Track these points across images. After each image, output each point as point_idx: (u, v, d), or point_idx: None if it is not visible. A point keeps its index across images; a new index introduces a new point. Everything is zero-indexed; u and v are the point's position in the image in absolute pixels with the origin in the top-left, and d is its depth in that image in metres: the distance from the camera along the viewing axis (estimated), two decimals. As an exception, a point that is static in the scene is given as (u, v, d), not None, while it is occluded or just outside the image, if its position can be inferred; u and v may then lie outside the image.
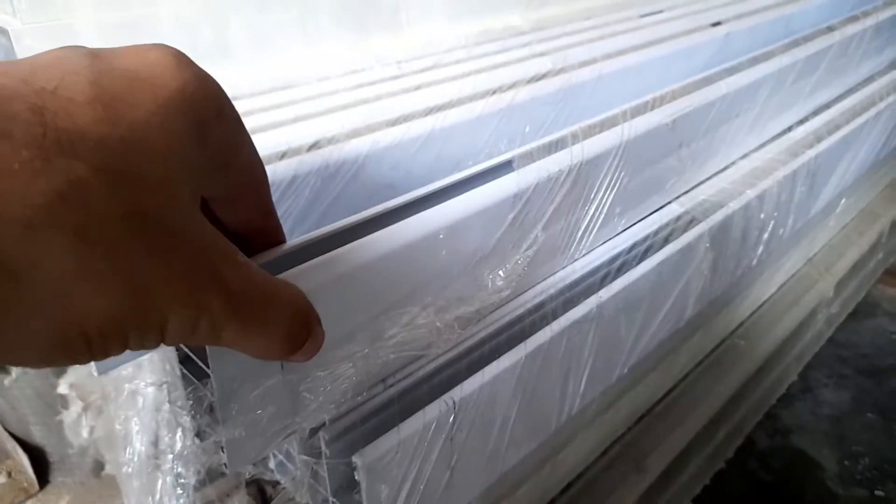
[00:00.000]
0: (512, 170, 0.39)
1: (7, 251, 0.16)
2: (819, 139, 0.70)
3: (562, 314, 0.42)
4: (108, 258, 0.17)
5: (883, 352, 0.97)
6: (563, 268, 0.46)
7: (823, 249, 0.89)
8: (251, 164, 0.25)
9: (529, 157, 0.41)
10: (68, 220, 0.16)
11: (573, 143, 0.43)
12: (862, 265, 0.96)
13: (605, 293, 0.44)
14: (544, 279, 0.44)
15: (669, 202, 0.56)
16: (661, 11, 0.83)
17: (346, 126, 0.47)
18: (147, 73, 0.19)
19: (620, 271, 0.47)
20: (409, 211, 0.34)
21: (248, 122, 0.48)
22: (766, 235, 0.62)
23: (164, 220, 0.18)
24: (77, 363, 0.19)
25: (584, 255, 0.47)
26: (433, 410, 0.35)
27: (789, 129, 0.71)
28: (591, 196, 0.45)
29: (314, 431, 0.35)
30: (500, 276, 0.40)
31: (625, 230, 0.51)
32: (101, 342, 0.18)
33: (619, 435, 0.60)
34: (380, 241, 0.32)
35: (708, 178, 0.60)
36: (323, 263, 0.29)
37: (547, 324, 0.41)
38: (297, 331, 0.24)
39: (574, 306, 0.43)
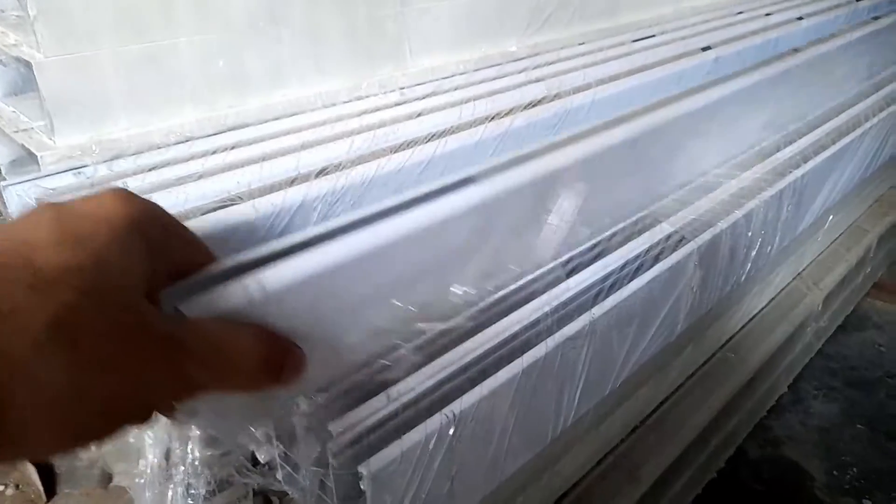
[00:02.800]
0: (474, 183, 0.41)
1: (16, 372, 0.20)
2: (806, 159, 0.73)
3: (556, 331, 0.44)
4: (100, 365, 0.21)
5: (871, 364, 0.99)
6: (528, 276, 0.48)
7: (812, 265, 0.91)
8: (189, 243, 0.30)
9: (492, 172, 0.43)
10: (66, 337, 0.20)
11: (534, 159, 0.45)
12: (850, 279, 0.98)
13: (597, 310, 0.46)
14: (509, 287, 0.47)
15: (645, 216, 0.58)
16: (652, 36, 0.86)
17: (352, 152, 0.49)
18: (103, 213, 0.24)
19: (613, 289, 0.49)
20: (370, 221, 0.36)
21: (259, 149, 0.50)
22: (753, 253, 0.64)
23: (136, 324, 0.23)
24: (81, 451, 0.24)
25: (570, 271, 0.50)
26: (434, 423, 0.37)
27: (755, 146, 0.74)
28: (552, 209, 0.47)
29: (323, 444, 0.37)
30: (462, 285, 0.43)
31: (615, 250, 0.53)
32: (100, 435, 0.23)
33: (614, 446, 0.62)
34: (349, 245, 0.34)
35: (671, 193, 0.63)
36: (297, 263, 0.32)
37: (542, 340, 0.44)
38: (269, 358, 0.28)
39: (568, 323, 0.45)
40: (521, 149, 0.47)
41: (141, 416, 0.24)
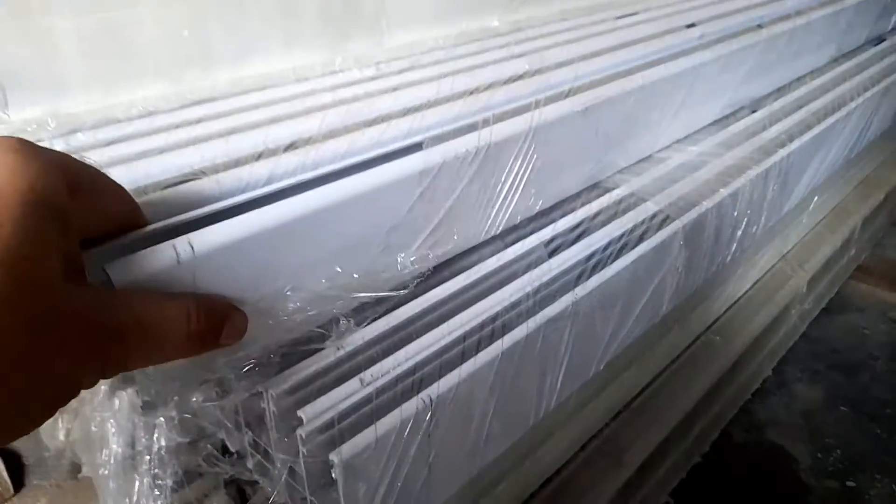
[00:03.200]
0: (420, 149, 0.42)
1: None
2: (791, 138, 0.71)
3: (538, 311, 0.43)
4: (11, 361, 0.20)
5: (854, 347, 0.99)
6: (479, 242, 0.48)
7: (797, 246, 0.91)
8: (111, 192, 0.29)
9: (439, 139, 0.43)
10: None
11: (482, 127, 0.45)
12: (834, 262, 0.98)
13: (580, 290, 0.45)
14: (457, 254, 0.47)
15: (629, 196, 0.57)
16: (636, 13, 0.84)
17: (323, 127, 0.47)
18: None
19: (596, 269, 0.48)
20: (320, 182, 0.36)
21: (226, 123, 0.47)
22: (739, 233, 0.63)
23: (50, 310, 0.21)
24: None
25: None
26: (410, 408, 0.35)
27: (720, 121, 0.73)
28: (503, 177, 0.47)
29: (292, 431, 0.35)
30: (409, 252, 0.42)
31: (598, 229, 0.51)
32: (20, 427, 0.22)
33: (598, 430, 0.61)
34: (287, 208, 0.34)
35: (632, 165, 0.62)
36: (231, 225, 0.32)
37: (523, 321, 0.42)
38: (198, 331, 0.27)
39: (550, 304, 0.44)
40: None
41: (66, 398, 0.23)
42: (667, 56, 0.66)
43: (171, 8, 0.53)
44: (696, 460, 0.75)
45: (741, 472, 0.77)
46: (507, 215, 0.49)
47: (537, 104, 0.51)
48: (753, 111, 0.81)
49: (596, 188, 0.60)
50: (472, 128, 0.46)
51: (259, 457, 0.40)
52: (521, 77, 0.59)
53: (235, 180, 0.40)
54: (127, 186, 0.38)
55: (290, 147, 0.44)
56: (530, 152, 0.49)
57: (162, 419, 0.43)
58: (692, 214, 0.55)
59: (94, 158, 0.42)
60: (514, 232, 0.52)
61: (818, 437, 0.83)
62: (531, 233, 0.52)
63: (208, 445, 0.41)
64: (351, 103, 0.52)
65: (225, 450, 0.43)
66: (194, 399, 0.39)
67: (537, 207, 0.52)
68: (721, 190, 0.59)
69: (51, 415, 0.22)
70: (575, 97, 0.53)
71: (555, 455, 0.56)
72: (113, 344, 0.23)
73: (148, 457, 0.44)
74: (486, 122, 0.47)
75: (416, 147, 0.43)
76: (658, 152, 0.68)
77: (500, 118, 0.48)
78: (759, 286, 0.82)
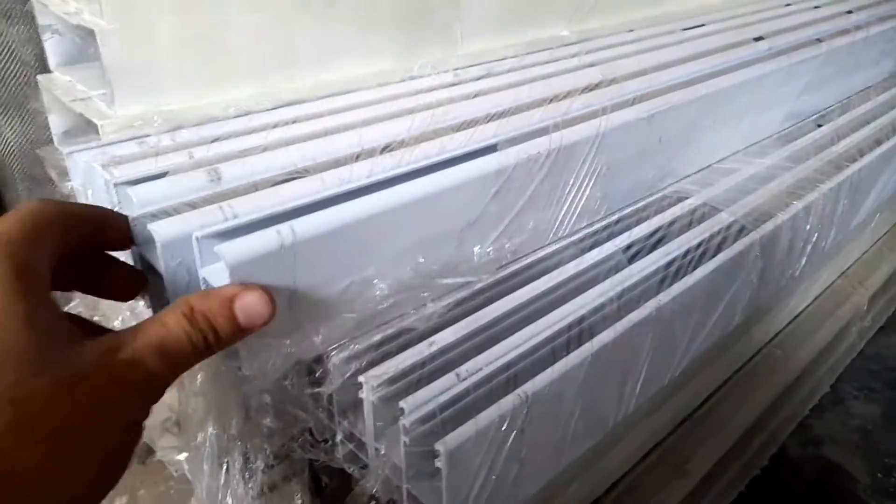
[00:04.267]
0: (495, 150, 0.44)
1: None
2: (861, 153, 0.71)
3: (623, 315, 0.43)
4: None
5: (913, 367, 0.97)
6: (548, 244, 0.51)
7: (857, 263, 0.90)
8: (84, 222, 0.29)
9: (512, 141, 0.46)
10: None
11: (553, 131, 0.47)
12: (894, 280, 0.97)
13: (664, 296, 0.45)
14: (527, 254, 0.49)
15: (702, 205, 0.58)
16: (702, 25, 0.84)
17: (413, 130, 0.49)
18: None
19: (676, 276, 0.48)
20: (399, 181, 0.39)
21: (320, 124, 0.49)
22: (809, 247, 0.63)
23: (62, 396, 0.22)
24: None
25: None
26: (508, 403, 0.36)
27: (784, 134, 0.75)
28: (571, 178, 0.49)
29: (391, 419, 0.36)
30: (485, 245, 0.45)
31: (676, 237, 0.52)
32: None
33: (662, 438, 0.61)
34: (377, 201, 0.37)
35: (703, 175, 0.64)
36: (329, 214, 0.35)
37: (610, 324, 0.43)
38: (204, 321, 0.27)
39: (635, 308, 0.44)
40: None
41: (134, 441, 0.26)
42: (728, 67, 0.67)
43: (260, 13, 0.55)
44: (755, 473, 0.75)
45: (799, 488, 0.76)
46: (574, 216, 0.51)
47: (604, 110, 0.52)
48: (819, 125, 0.81)
49: (668, 197, 0.60)
50: (543, 131, 0.48)
51: (351, 446, 0.41)
52: (596, 87, 0.60)
53: (337, 179, 0.41)
54: (236, 182, 0.41)
55: (386, 149, 0.45)
56: (596, 156, 0.51)
57: (256, 403, 0.45)
58: (768, 226, 0.55)
59: (200, 154, 0.44)
60: (592, 237, 0.53)
61: (877, 456, 0.82)
62: (608, 239, 0.52)
63: (302, 430, 0.43)
64: (436, 108, 0.53)
65: (311, 435, 0.45)
66: (287, 383, 0.40)
67: (603, 211, 0.55)
68: (795, 203, 0.59)
69: (127, 461, 0.25)
70: (640, 104, 0.54)
71: (621, 459, 0.57)
72: (139, 382, 0.25)
73: (240, 441, 0.45)
74: (556, 127, 0.49)
75: (492, 148, 0.46)
76: (722, 163, 0.68)
77: (569, 123, 0.50)
78: (819, 301, 0.81)
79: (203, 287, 0.33)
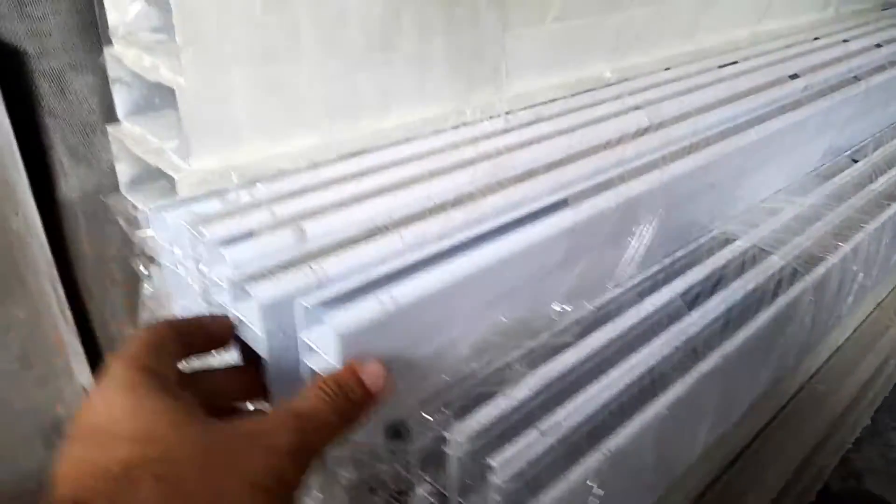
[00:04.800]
0: (566, 205, 0.46)
1: None
2: (901, 190, 0.72)
3: (691, 366, 0.44)
4: None
5: (948, 397, 0.97)
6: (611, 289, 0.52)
7: (891, 294, 0.90)
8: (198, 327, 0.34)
9: (582, 195, 0.47)
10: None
11: (618, 184, 0.49)
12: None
13: (729, 345, 0.46)
14: (598, 306, 0.51)
15: (751, 247, 0.60)
16: (736, 62, 0.86)
17: (475, 181, 0.50)
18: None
19: (737, 322, 0.49)
20: (479, 242, 0.41)
21: (388, 177, 0.51)
22: (855, 286, 0.64)
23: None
24: None
25: (690, 302, 0.52)
26: (594, 461, 0.37)
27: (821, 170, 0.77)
28: (634, 229, 0.51)
29: (481, 477, 0.37)
30: (559, 300, 0.47)
31: (732, 280, 0.53)
32: None
33: (715, 477, 0.61)
34: (457, 267, 0.38)
35: (747, 216, 0.66)
36: (420, 280, 0.37)
37: (679, 376, 0.44)
38: (341, 392, 0.30)
39: (702, 358, 0.45)
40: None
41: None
42: (776, 109, 0.68)
43: (333, 60, 0.56)
44: (801, 509, 0.75)
45: (843, 523, 0.77)
46: (635, 264, 0.53)
47: (664, 160, 0.54)
48: (854, 160, 0.82)
49: (715, 238, 0.62)
50: (609, 184, 0.49)
51: (433, 500, 0.42)
52: (645, 131, 0.61)
53: (414, 236, 0.43)
54: (318, 240, 0.42)
55: (456, 203, 0.46)
56: (658, 206, 0.52)
57: (338, 455, 0.45)
58: (819, 269, 0.56)
59: (280, 212, 0.45)
60: (648, 281, 0.54)
61: (918, 489, 0.82)
62: (664, 282, 0.53)
63: (381, 484, 0.44)
64: (495, 157, 0.54)
65: (388, 487, 0.45)
66: (370, 440, 0.41)
67: (659, 254, 0.56)
68: (843, 245, 0.60)
69: None
70: (696, 154, 0.56)
71: (679, 499, 0.57)
72: (289, 445, 0.26)
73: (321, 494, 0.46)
74: (621, 179, 0.50)
75: (563, 203, 0.47)
76: (765, 203, 0.70)
77: (633, 174, 0.51)
78: (858, 334, 0.82)
79: (302, 350, 0.35)
